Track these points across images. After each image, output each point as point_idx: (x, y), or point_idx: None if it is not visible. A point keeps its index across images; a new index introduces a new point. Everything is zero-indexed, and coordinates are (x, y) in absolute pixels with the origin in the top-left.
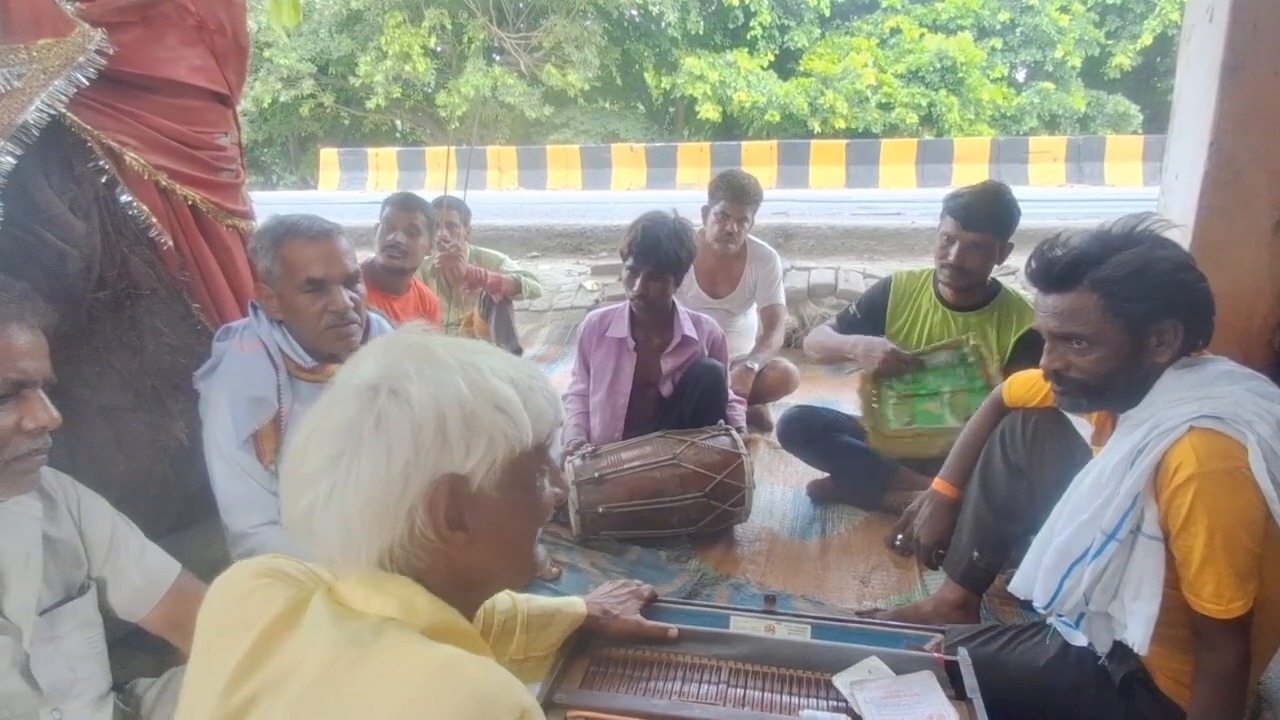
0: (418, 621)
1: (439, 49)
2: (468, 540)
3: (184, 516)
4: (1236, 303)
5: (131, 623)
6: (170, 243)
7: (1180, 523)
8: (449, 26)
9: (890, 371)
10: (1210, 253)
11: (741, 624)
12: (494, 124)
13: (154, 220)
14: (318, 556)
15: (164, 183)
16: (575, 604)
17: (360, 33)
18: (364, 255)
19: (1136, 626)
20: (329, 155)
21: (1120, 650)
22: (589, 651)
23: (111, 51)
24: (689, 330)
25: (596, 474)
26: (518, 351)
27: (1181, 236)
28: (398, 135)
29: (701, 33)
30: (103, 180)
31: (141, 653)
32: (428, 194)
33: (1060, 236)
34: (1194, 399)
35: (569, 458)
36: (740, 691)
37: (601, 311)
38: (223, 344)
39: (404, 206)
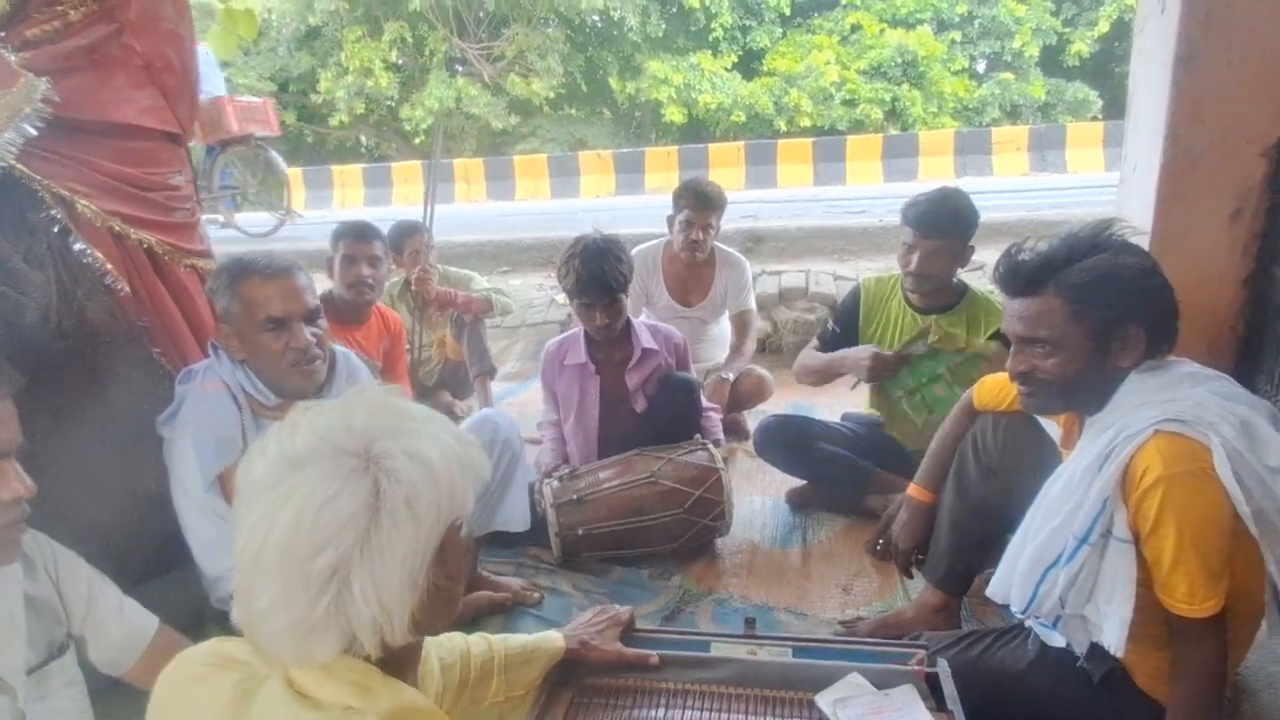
0: (378, 706)
1: (401, 62)
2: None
3: (157, 564)
4: (1199, 290)
5: (108, 677)
6: (127, 288)
7: (1150, 525)
8: (410, 39)
9: (881, 373)
10: (1171, 241)
11: (722, 649)
12: (460, 136)
13: (109, 267)
14: (324, 653)
15: (117, 228)
16: (553, 639)
17: (320, 49)
18: (317, 283)
19: (1111, 629)
20: (292, 174)
21: (1098, 650)
22: (571, 684)
23: (58, 99)
24: (648, 342)
25: (575, 496)
26: (492, 371)
27: (1140, 228)
28: (362, 151)
29: (663, 36)
30: (55, 230)
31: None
32: (396, 210)
33: (1027, 240)
34: (1158, 402)
35: (547, 480)
36: (724, 716)
37: (557, 340)
38: (184, 386)
39: (361, 237)
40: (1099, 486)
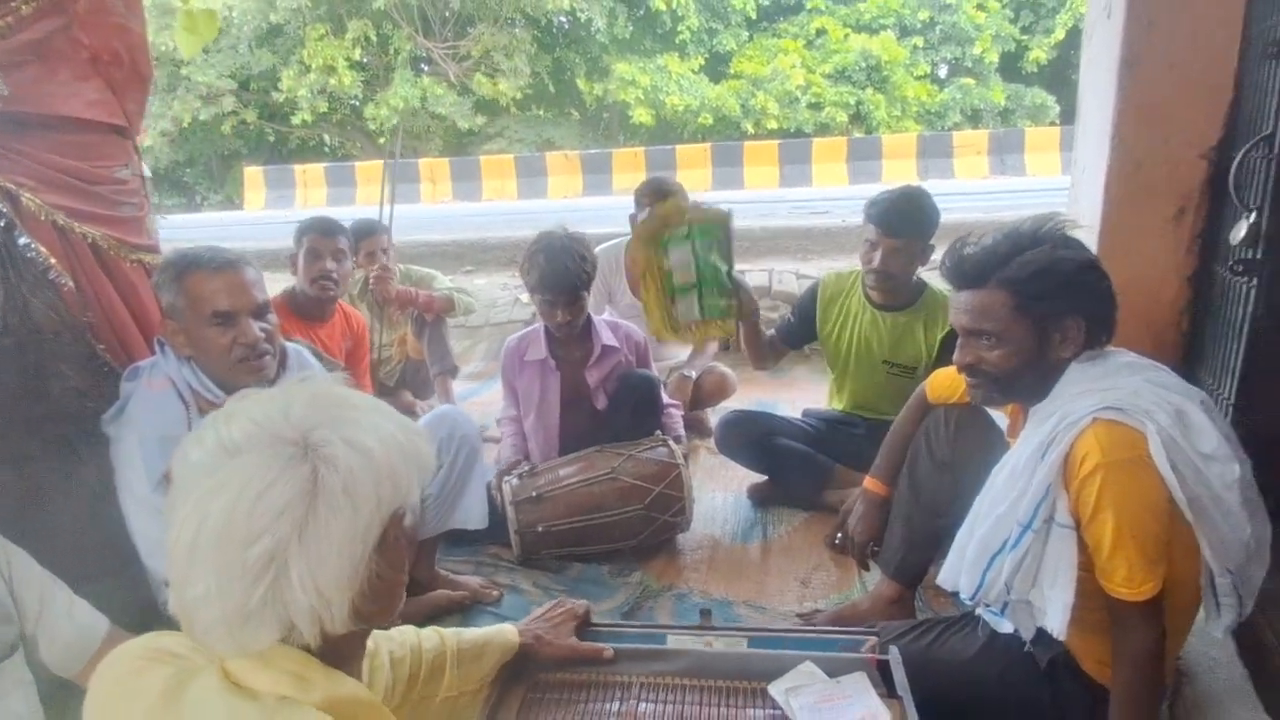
0: (314, 696)
1: (365, 61)
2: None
3: (102, 565)
4: (1144, 288)
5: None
6: (71, 284)
7: (1090, 511)
8: (374, 38)
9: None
10: (1117, 241)
11: (677, 641)
12: (425, 135)
13: (53, 261)
14: (260, 641)
15: (61, 222)
16: (506, 633)
17: (281, 46)
18: (278, 281)
19: (1054, 613)
20: (254, 174)
21: (1044, 636)
22: (525, 678)
23: (6, 93)
24: (608, 339)
25: (534, 493)
26: (453, 370)
27: (1089, 229)
28: (326, 150)
29: (630, 38)
30: (0, 224)
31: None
32: (359, 210)
33: (972, 235)
34: (1097, 391)
35: (506, 478)
36: (678, 707)
37: (517, 336)
38: (130, 384)
39: (325, 232)
40: (1041, 474)
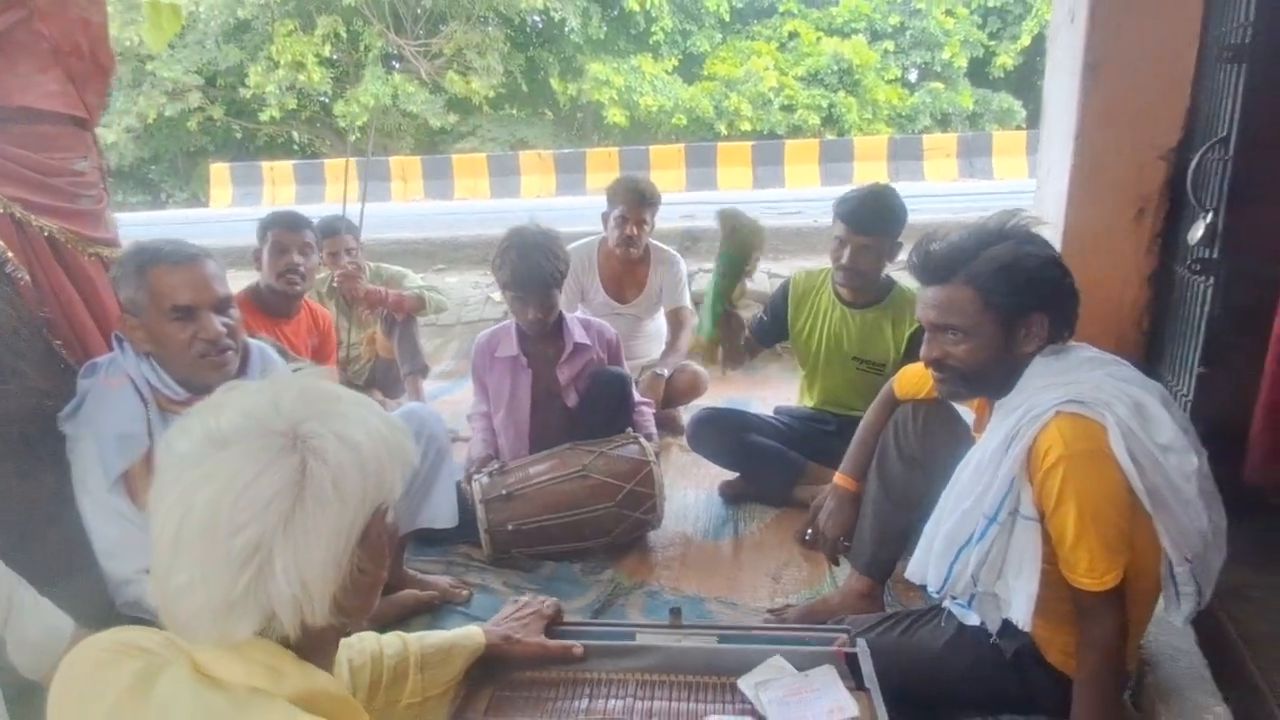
0: (286, 688)
1: (335, 57)
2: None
3: (61, 568)
4: (1106, 288)
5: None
6: (27, 278)
7: (1053, 503)
8: (344, 34)
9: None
10: (1080, 242)
11: (647, 638)
12: (397, 134)
13: (9, 255)
14: (241, 631)
15: (18, 214)
16: (473, 634)
17: (249, 42)
18: (246, 280)
19: (1019, 604)
20: (220, 170)
21: (1010, 627)
22: (493, 679)
23: None
24: (580, 337)
25: (504, 491)
26: (424, 369)
27: (1053, 229)
28: (295, 148)
29: (604, 38)
30: None
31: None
32: (328, 208)
33: (938, 231)
34: (1060, 385)
35: (476, 476)
36: (648, 703)
37: (488, 333)
38: (87, 381)
39: (291, 226)
40: (1006, 467)
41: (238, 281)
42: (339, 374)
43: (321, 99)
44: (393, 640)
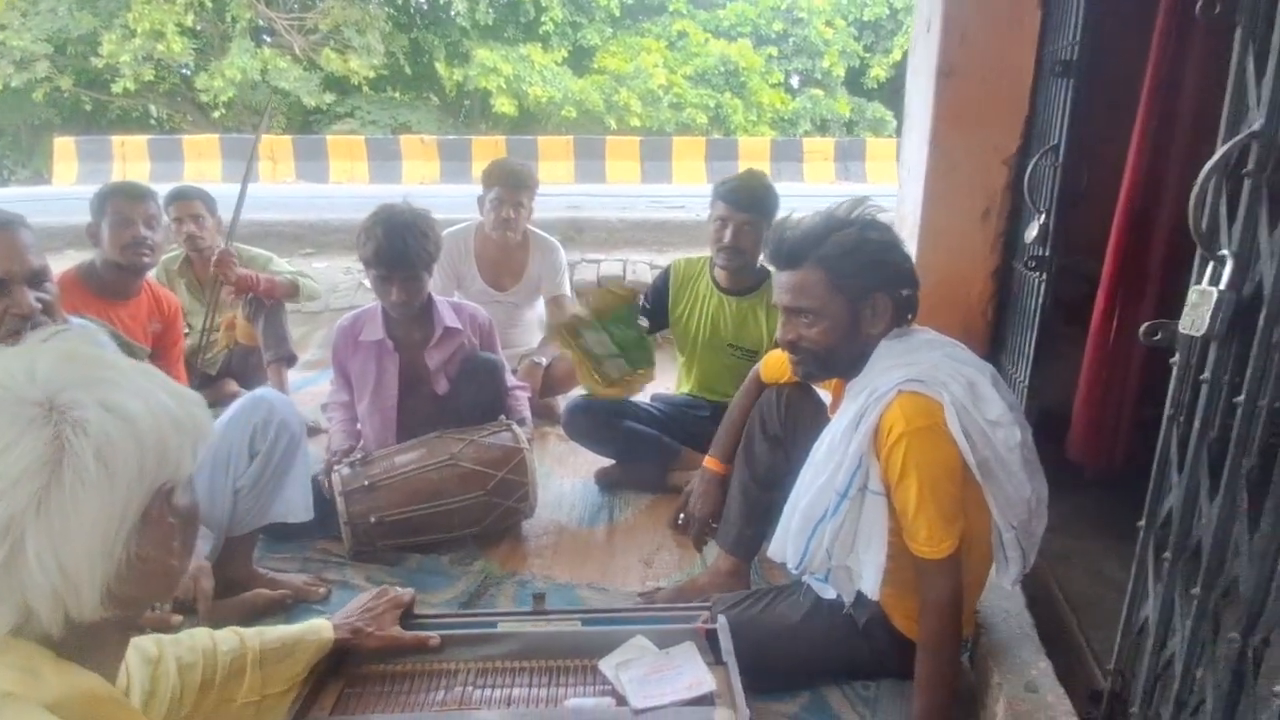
0: (44, 693)
1: (198, 28)
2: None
3: None
4: (957, 280)
5: None
6: None
7: (896, 476)
8: (208, 3)
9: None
10: (935, 237)
11: (510, 625)
12: (265, 111)
13: None
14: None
15: None
16: (319, 628)
17: (104, 8)
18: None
19: (869, 574)
20: (64, 144)
21: (862, 598)
22: (342, 673)
23: None
24: (451, 320)
25: (367, 481)
26: (290, 358)
27: (911, 228)
28: (152, 122)
29: (493, 25)
30: None
31: None
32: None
33: (792, 217)
34: (902, 365)
35: (336, 467)
36: (507, 691)
37: (351, 315)
38: None
39: (133, 196)
40: (855, 444)
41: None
42: (186, 363)
43: (182, 71)
44: (228, 636)
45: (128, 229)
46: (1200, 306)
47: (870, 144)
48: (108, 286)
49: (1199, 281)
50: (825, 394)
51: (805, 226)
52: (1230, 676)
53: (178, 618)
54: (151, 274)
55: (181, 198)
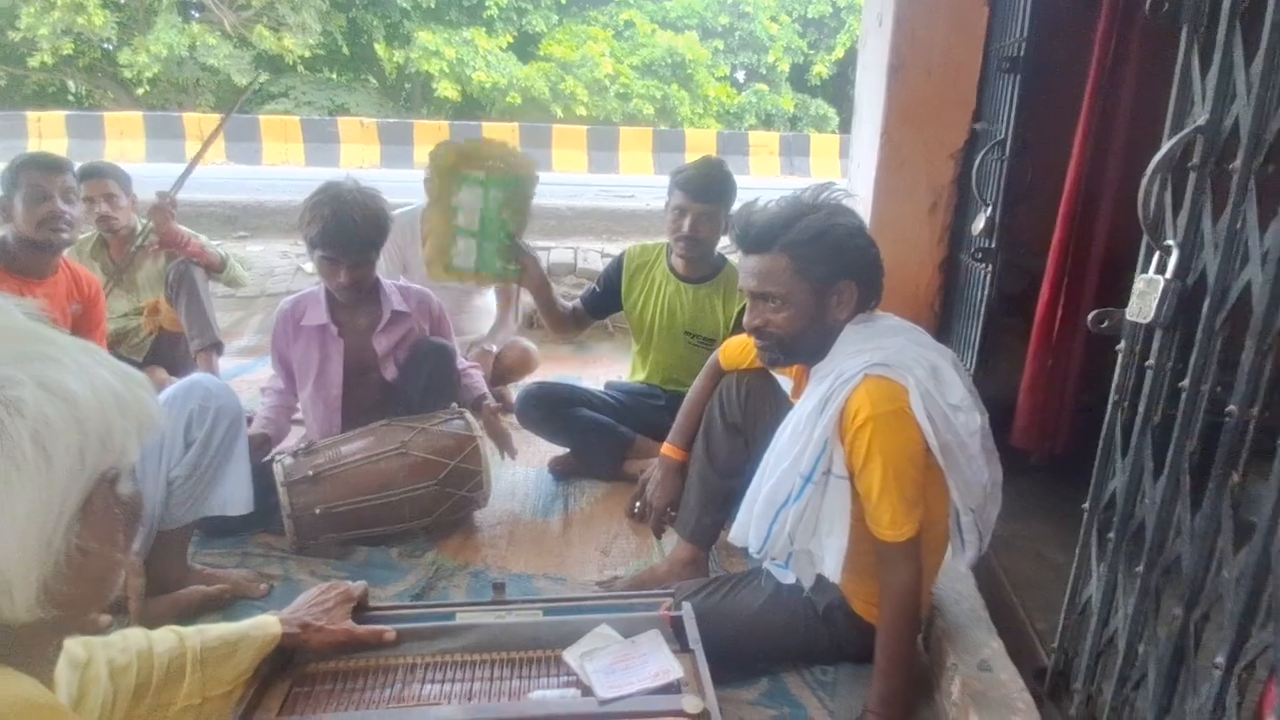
0: None
1: (122, 0)
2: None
3: None
4: (906, 272)
5: None
6: None
7: (861, 460)
8: None
9: None
10: (884, 229)
11: (468, 617)
12: (194, 89)
13: None
14: None
15: None
16: (266, 625)
17: None
18: None
19: (830, 558)
20: None
21: (822, 583)
22: (291, 672)
23: None
24: (399, 304)
25: (311, 472)
26: (218, 345)
27: (863, 211)
28: (71, 98)
29: (435, 7)
30: None
31: None
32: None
33: (757, 202)
34: (868, 350)
35: (279, 457)
36: (467, 685)
37: (292, 299)
38: None
39: (48, 168)
40: (820, 428)
41: None
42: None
43: (104, 46)
44: (166, 636)
45: (43, 203)
46: (1147, 295)
47: (814, 140)
48: (22, 265)
49: (1145, 271)
50: (785, 381)
51: (772, 212)
52: (1171, 651)
53: (107, 618)
54: (67, 252)
55: (94, 175)
